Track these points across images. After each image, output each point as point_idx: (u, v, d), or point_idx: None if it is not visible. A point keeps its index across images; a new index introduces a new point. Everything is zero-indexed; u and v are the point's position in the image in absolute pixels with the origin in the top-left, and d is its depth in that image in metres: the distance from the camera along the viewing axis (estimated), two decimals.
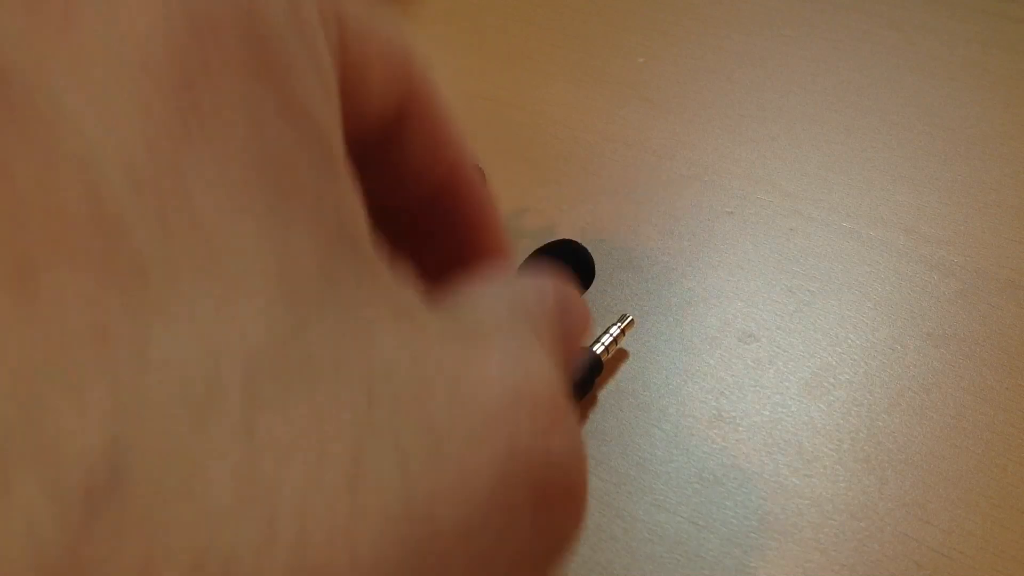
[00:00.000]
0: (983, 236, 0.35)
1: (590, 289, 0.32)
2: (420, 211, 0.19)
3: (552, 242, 0.32)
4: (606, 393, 0.29)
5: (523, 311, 0.15)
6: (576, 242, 0.32)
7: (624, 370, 0.30)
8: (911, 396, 0.29)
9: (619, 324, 0.30)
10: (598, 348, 0.29)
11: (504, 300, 0.15)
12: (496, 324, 0.14)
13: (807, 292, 0.33)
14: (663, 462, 0.27)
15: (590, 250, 0.32)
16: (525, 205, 0.37)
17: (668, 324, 0.32)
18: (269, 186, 0.11)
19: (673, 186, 0.38)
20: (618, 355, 0.30)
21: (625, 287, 0.33)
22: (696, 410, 0.29)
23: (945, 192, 0.37)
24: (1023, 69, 0.44)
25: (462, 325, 0.13)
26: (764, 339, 0.31)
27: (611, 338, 0.30)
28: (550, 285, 0.18)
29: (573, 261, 0.32)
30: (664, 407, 0.29)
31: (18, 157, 0.10)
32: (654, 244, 0.35)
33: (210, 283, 0.10)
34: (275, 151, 0.12)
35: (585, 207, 0.37)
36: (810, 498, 0.26)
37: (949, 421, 0.28)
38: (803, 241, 0.35)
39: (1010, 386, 0.29)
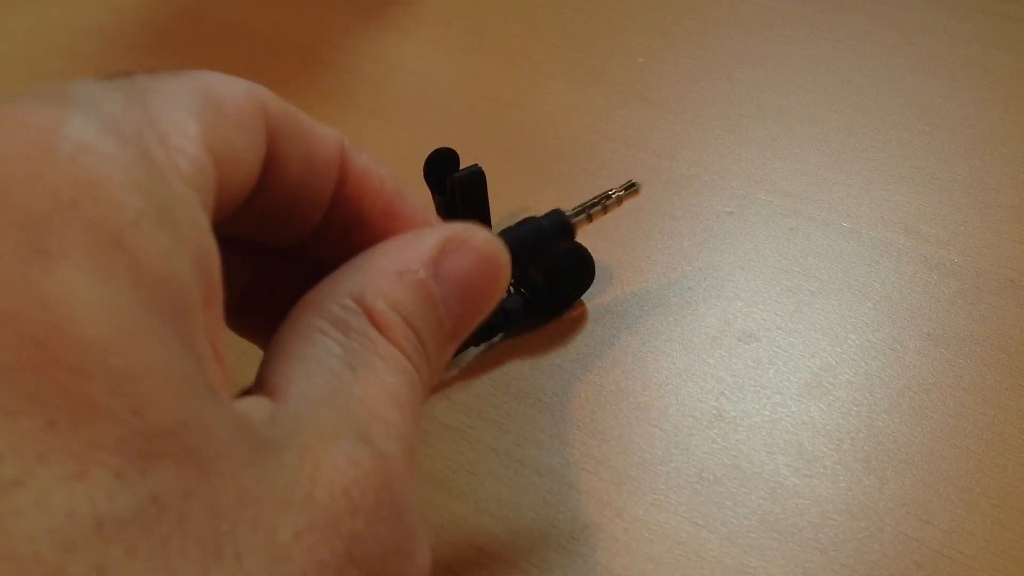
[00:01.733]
0: (983, 236, 0.35)
1: (590, 289, 0.32)
2: (335, 222, 0.19)
3: None
4: (607, 392, 0.29)
5: (364, 343, 0.16)
6: (576, 242, 0.32)
7: (624, 370, 0.30)
8: (911, 396, 0.29)
9: (617, 191, 0.26)
10: (580, 217, 0.25)
11: (326, 342, 0.16)
12: (322, 401, 0.15)
13: (807, 292, 0.33)
14: (663, 462, 0.27)
15: (590, 250, 0.32)
16: (525, 205, 0.37)
17: (668, 324, 0.32)
18: (121, 343, 0.12)
19: (673, 186, 0.38)
20: (612, 371, 0.30)
21: (625, 287, 0.33)
22: (696, 410, 0.29)
23: (945, 192, 0.37)
24: (1023, 69, 0.44)
25: (292, 422, 0.14)
26: (764, 339, 0.31)
27: (600, 206, 0.25)
28: (424, 250, 0.18)
29: (573, 261, 0.32)
30: (664, 407, 0.29)
31: None
32: (654, 244, 0.35)
33: (60, 459, 0.11)
34: (128, 311, 0.12)
35: None
36: (810, 498, 0.26)
37: (949, 421, 0.28)
38: (803, 241, 0.35)
39: (1010, 386, 0.29)
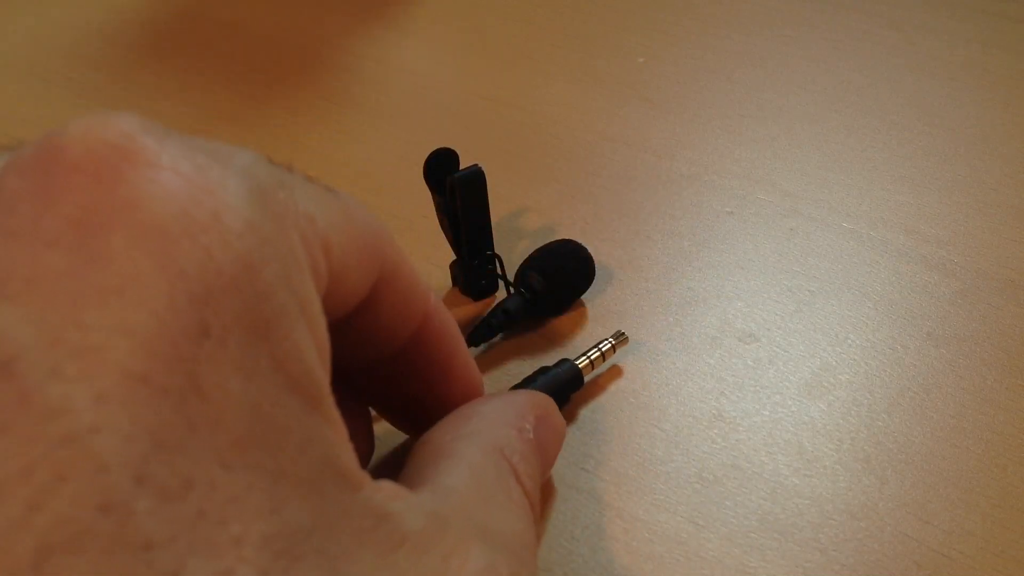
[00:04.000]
0: (983, 236, 0.35)
1: (590, 289, 0.32)
2: (399, 359, 0.21)
3: (552, 242, 0.32)
4: (607, 392, 0.29)
5: (500, 463, 0.18)
6: (576, 242, 0.32)
7: (624, 370, 0.30)
8: (911, 396, 0.29)
9: (610, 340, 0.29)
10: (582, 361, 0.29)
11: (476, 455, 0.18)
12: (465, 505, 0.16)
13: (807, 292, 0.33)
14: (663, 462, 0.27)
15: (590, 250, 0.32)
16: (525, 205, 0.37)
17: (668, 324, 0.32)
18: (262, 441, 0.13)
19: (673, 186, 0.38)
20: (611, 372, 0.30)
21: (625, 287, 0.33)
22: (696, 410, 0.29)
23: (945, 192, 0.37)
24: (1023, 69, 0.44)
25: (434, 510, 0.15)
26: (764, 339, 0.31)
27: (599, 352, 0.29)
28: (528, 414, 0.21)
29: (573, 261, 0.32)
30: (664, 407, 0.29)
31: (25, 441, 0.11)
32: (654, 244, 0.35)
33: (208, 552, 0.11)
34: (268, 406, 0.13)
35: (585, 207, 0.37)
36: (810, 498, 0.26)
37: (949, 421, 0.28)
38: (803, 241, 0.35)
39: (1010, 386, 0.29)
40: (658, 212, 0.36)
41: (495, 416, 0.21)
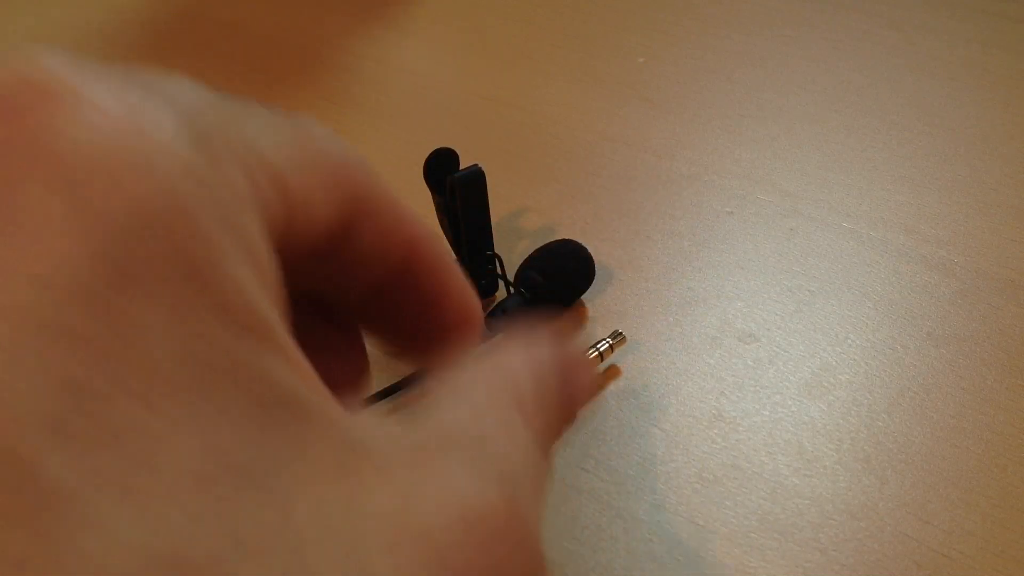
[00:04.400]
0: (983, 236, 0.35)
1: (590, 289, 0.32)
2: (390, 289, 0.20)
3: (552, 242, 0.32)
4: (607, 392, 0.29)
5: (504, 399, 0.17)
6: (576, 242, 0.32)
7: (624, 370, 0.30)
8: (911, 396, 0.29)
9: (608, 340, 0.29)
10: None
11: (480, 392, 0.17)
12: (455, 433, 0.15)
13: (807, 292, 0.33)
14: (663, 462, 0.27)
15: (590, 250, 0.32)
16: (525, 205, 0.37)
17: (668, 324, 0.32)
18: (194, 381, 0.12)
19: (673, 186, 0.38)
20: (610, 372, 0.30)
21: (625, 287, 0.33)
22: (696, 410, 0.29)
23: (945, 192, 0.37)
24: (1023, 69, 0.44)
25: (418, 438, 0.14)
26: (764, 339, 0.31)
27: (596, 352, 0.29)
28: (547, 356, 0.19)
29: (573, 261, 0.32)
30: (664, 407, 0.29)
31: None
32: (654, 244, 0.35)
33: (131, 499, 0.11)
34: (203, 346, 0.12)
35: (585, 207, 0.37)
36: (810, 498, 0.26)
37: (949, 421, 0.28)
38: (803, 241, 0.35)
39: (1010, 386, 0.29)
40: (658, 212, 0.36)
41: (507, 353, 0.19)
